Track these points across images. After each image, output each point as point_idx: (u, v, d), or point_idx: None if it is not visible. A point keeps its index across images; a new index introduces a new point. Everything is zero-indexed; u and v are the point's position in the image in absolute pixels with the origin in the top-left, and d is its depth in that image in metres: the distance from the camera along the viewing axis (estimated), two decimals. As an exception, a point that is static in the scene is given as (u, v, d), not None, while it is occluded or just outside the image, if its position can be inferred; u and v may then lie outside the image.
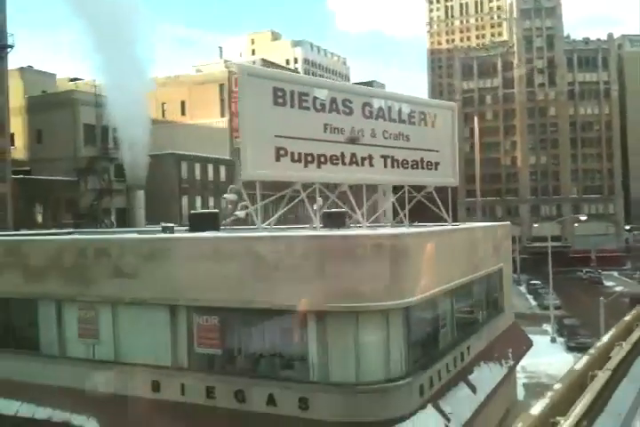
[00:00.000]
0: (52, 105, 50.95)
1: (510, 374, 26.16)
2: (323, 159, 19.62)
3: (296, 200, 20.12)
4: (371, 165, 21.10)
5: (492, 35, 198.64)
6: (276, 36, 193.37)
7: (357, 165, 20.66)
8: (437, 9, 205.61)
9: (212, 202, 64.76)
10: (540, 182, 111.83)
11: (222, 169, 66.15)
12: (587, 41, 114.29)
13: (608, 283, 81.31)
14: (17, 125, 51.15)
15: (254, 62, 79.29)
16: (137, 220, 45.87)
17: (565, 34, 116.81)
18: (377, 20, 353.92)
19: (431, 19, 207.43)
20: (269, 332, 17.15)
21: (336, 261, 16.05)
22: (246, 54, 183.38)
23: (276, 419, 16.34)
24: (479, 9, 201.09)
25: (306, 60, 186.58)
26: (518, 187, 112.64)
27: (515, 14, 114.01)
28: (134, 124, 42.23)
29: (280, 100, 18.50)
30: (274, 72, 21.21)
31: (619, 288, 70.27)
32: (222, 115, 68.13)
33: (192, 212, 23.93)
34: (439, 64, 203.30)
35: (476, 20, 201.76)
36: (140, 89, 43.22)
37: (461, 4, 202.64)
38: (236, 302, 16.91)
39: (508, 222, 31.07)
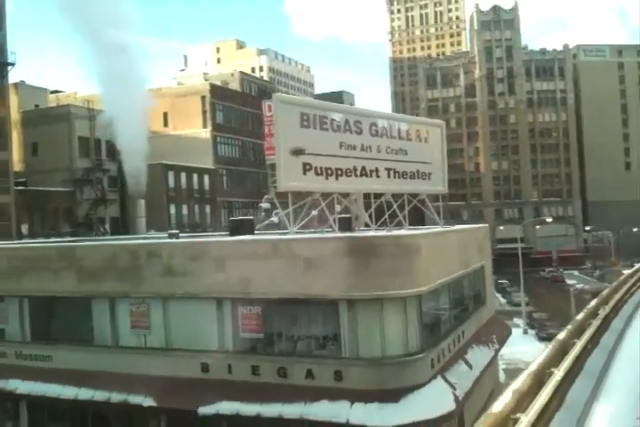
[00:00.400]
0: (48, 119, 53.28)
1: (495, 358, 29.77)
2: (339, 172, 23.04)
3: (319, 208, 23.33)
4: (377, 176, 24.60)
5: (452, 44, 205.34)
6: (240, 45, 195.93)
7: (367, 176, 24.12)
8: (398, 19, 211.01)
9: (197, 209, 67.55)
10: (503, 187, 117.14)
11: (206, 178, 68.96)
12: (544, 51, 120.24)
13: (570, 281, 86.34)
14: (12, 139, 53.26)
15: (232, 75, 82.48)
16: (138, 227, 48.56)
17: (523, 44, 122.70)
18: (333, 25, 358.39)
19: (392, 28, 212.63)
20: (306, 318, 20.47)
21: (363, 257, 19.44)
22: (212, 63, 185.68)
23: (314, 390, 19.61)
24: (439, 19, 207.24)
25: (271, 69, 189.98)
26: (482, 191, 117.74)
27: (475, 26, 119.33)
28: (134, 136, 44.98)
29: (305, 123, 21.88)
30: (300, 99, 24.65)
31: (580, 286, 75.07)
32: (205, 126, 70.91)
33: (232, 218, 27.05)
34: (401, 72, 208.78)
35: (436, 29, 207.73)
36: (139, 101, 45.92)
37: (422, 15, 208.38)
38: (276, 294, 20.13)
39: (487, 225, 34.91)
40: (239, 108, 75.72)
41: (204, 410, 20.41)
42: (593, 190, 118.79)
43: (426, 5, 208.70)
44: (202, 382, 21.12)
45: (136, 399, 21.70)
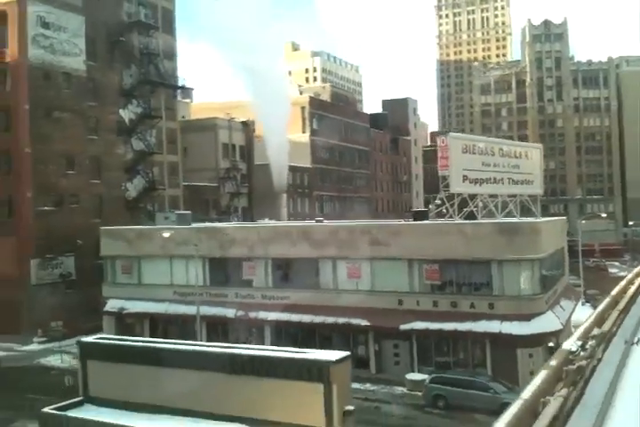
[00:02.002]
0: (196, 128, 66.45)
1: (574, 309, 41.95)
2: (481, 181, 35.65)
3: (470, 206, 35.82)
4: (502, 183, 37.14)
5: (497, 48, 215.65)
6: (295, 47, 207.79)
7: (496, 183, 36.69)
8: (446, 23, 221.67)
9: (299, 202, 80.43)
10: (550, 185, 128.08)
11: (305, 176, 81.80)
12: (590, 62, 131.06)
13: (612, 270, 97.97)
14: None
15: (323, 88, 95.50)
16: (281, 216, 61.57)
17: (570, 55, 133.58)
18: (365, 24, 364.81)
19: (440, 32, 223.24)
20: (468, 271, 33.13)
21: (508, 234, 32.00)
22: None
23: (474, 314, 32.20)
24: (485, 24, 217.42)
25: (324, 70, 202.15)
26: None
27: (527, 38, 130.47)
28: (279, 139, 57.75)
29: (465, 150, 34.51)
30: (463, 135, 37.57)
31: (621, 273, 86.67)
32: (304, 131, 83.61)
33: (414, 209, 39.62)
34: (448, 74, 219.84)
35: (482, 34, 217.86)
36: (281, 109, 58.49)
37: (469, 20, 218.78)
38: (449, 256, 32.78)
39: (565, 218, 47.19)
40: (328, 115, 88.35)
41: (404, 327, 33.23)
42: (633, 189, 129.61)
43: (473, 11, 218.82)
44: (399, 311, 33.88)
45: (355, 321, 34.55)
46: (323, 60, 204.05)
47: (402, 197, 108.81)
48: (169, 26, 59.98)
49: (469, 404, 28.40)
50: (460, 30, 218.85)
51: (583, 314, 52.07)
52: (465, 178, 34.53)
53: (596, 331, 9.99)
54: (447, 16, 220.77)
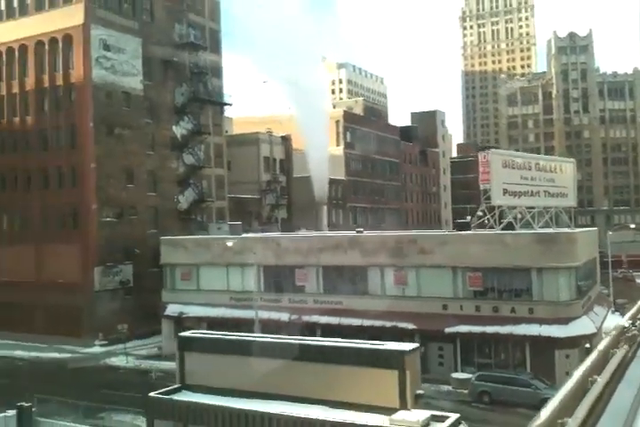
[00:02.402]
0: (240, 143, 69.83)
1: (606, 315, 44.31)
2: (520, 194, 38.35)
3: (509, 218, 38.54)
4: (539, 196, 39.80)
5: (522, 58, 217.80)
6: (322, 59, 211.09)
7: (533, 196, 39.36)
8: (471, 34, 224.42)
9: (333, 213, 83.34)
10: (577, 196, 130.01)
11: (340, 187, 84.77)
12: (615, 74, 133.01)
13: (639, 280, 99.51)
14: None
15: (356, 102, 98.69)
16: (322, 227, 64.65)
17: (596, 67, 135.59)
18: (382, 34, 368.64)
19: (465, 43, 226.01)
20: (509, 278, 35.73)
21: (546, 243, 34.61)
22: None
23: (514, 318, 34.78)
24: (509, 35, 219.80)
25: (349, 81, 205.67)
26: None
27: (553, 50, 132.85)
28: (320, 153, 60.87)
29: (504, 165, 37.26)
30: (503, 151, 40.26)
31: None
32: (337, 144, 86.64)
33: (457, 220, 42.47)
34: (472, 85, 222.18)
35: (507, 45, 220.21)
36: (322, 124, 61.60)
37: (493, 31, 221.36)
38: (491, 264, 35.45)
39: (597, 228, 49.59)
40: (361, 129, 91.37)
41: (449, 330, 35.90)
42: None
43: (497, 22, 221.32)
44: (443, 315, 36.56)
45: (401, 325, 37.29)
46: (348, 72, 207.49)
47: (431, 208, 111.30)
48: (216, 45, 63.56)
49: (512, 399, 31.04)
50: (485, 41, 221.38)
51: (614, 322, 54.54)
52: (505, 191, 37.27)
53: (640, 316, 12.92)
54: (472, 27, 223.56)
